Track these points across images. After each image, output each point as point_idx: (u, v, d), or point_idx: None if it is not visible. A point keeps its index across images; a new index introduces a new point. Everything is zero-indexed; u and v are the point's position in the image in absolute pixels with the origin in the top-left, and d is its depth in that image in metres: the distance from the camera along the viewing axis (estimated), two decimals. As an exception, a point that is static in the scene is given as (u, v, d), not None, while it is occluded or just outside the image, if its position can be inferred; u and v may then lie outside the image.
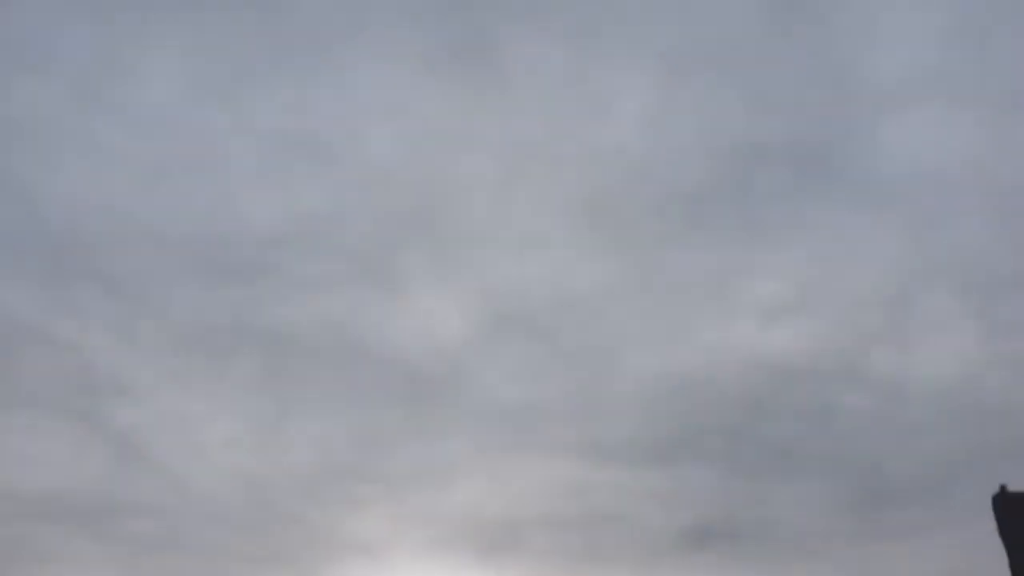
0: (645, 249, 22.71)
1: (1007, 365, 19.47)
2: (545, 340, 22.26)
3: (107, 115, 21.32)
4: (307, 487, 19.54)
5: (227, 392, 20.73)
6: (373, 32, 22.01)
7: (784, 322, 21.59)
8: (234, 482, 19.61)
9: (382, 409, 21.11)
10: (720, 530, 18.53)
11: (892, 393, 19.73)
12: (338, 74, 21.99)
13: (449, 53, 22.20)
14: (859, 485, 18.65)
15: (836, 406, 19.81)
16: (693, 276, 22.32)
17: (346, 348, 21.91)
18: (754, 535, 18.29)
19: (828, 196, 22.35)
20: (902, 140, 21.80)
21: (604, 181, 21.96)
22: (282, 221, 22.04)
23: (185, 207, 21.82)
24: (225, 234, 21.90)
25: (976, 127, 21.53)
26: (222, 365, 21.17)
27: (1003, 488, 7.07)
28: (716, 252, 22.28)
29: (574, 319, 22.37)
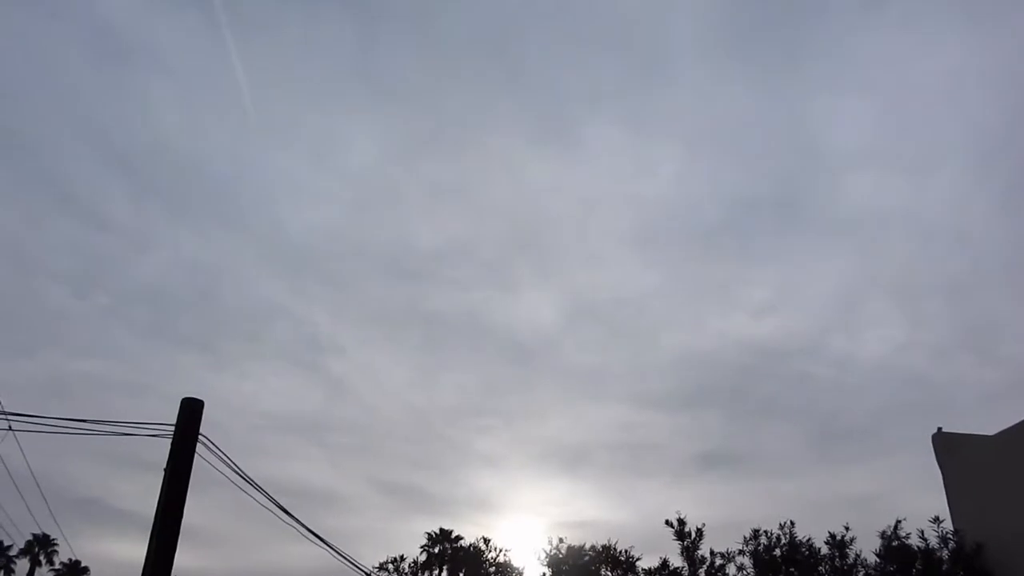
0: (675, 265, 31.83)
1: (925, 346, 26.90)
2: (608, 325, 31.01)
3: (329, 167, 31.56)
4: (451, 417, 27.84)
5: (402, 353, 30.16)
6: (497, 116, 31.80)
7: (769, 316, 29.04)
8: (405, 412, 27.81)
9: (500, 368, 30.56)
10: (724, 455, 25.31)
11: (844, 365, 26.54)
12: (474, 145, 31.71)
13: (546, 133, 31.67)
14: (820, 427, 25.41)
15: (805, 373, 26.74)
16: (708, 284, 30.87)
17: (478, 327, 31.23)
18: (747, 460, 24.58)
19: (800, 230, 30.86)
20: (851, 192, 29.24)
21: (648, 219, 31.37)
22: (439, 241, 31.80)
23: (378, 230, 32.10)
24: (403, 249, 31.78)
25: (902, 182, 29.26)
26: (399, 335, 31.11)
27: (940, 429, 8.57)
28: (723, 268, 30.71)
29: (627, 311, 31.19)
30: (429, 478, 25.78)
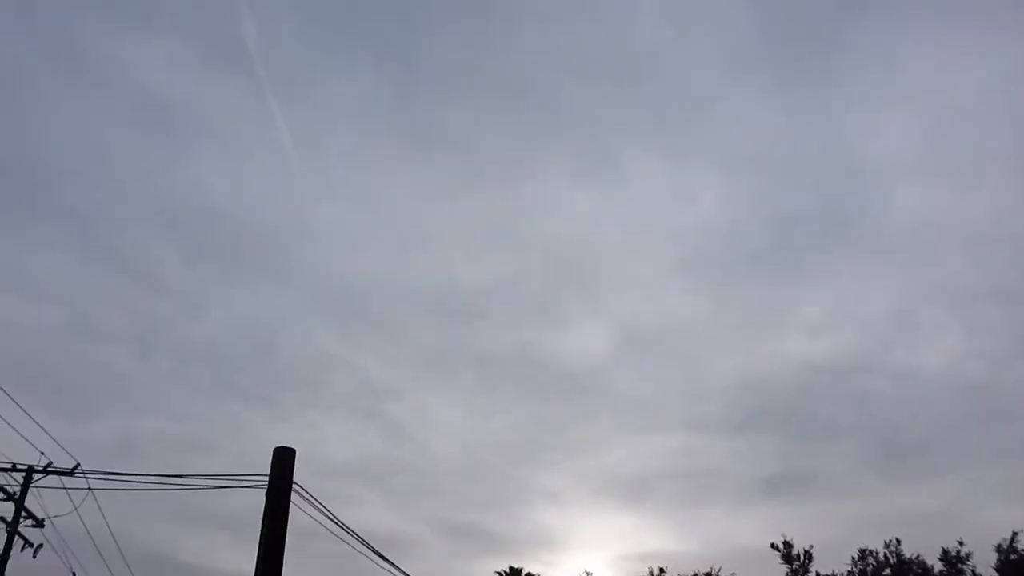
0: (723, 289, 30.54)
1: (984, 355, 25.12)
2: (659, 353, 29.72)
3: (374, 216, 31.25)
4: (508, 454, 26.61)
5: (456, 393, 28.69)
6: (536, 154, 31.59)
7: (823, 335, 27.44)
8: (461, 451, 26.59)
9: (554, 402, 28.65)
10: (786, 478, 23.74)
11: (904, 379, 25.13)
12: (518, 184, 31.67)
13: (586, 168, 31.28)
14: (881, 444, 23.88)
15: (864, 390, 25.23)
16: (758, 306, 29.62)
17: (529, 362, 29.65)
18: (809, 481, 23.38)
19: (849, 246, 29.49)
20: (899, 204, 28.18)
21: (693, 245, 32.51)
22: (486, 280, 30.87)
23: (424, 272, 31.25)
24: (449, 290, 31.13)
25: (949, 192, 28.19)
26: (451, 375, 29.56)
27: None
28: (773, 289, 29.90)
29: (678, 338, 29.86)
30: (491, 517, 25.57)
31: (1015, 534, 7.99)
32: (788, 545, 8.98)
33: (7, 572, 6.53)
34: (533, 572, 13.64)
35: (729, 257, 30.15)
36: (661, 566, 9.67)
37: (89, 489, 6.64)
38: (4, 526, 6.54)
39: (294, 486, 4.05)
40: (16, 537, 6.61)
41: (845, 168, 29.23)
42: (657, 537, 21.57)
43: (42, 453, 6.54)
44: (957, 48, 27.54)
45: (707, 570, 10.41)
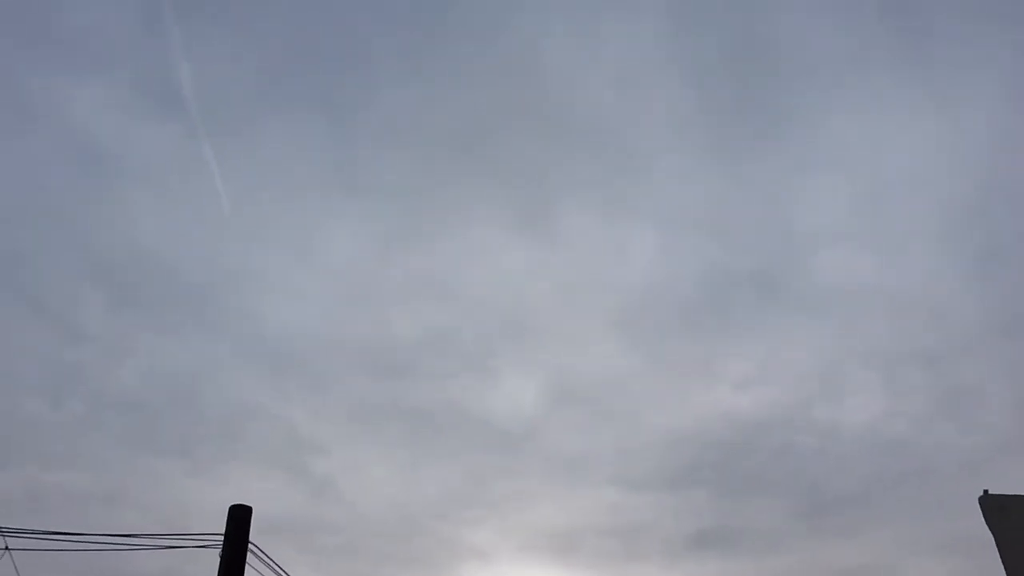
0: (656, 344, 30.98)
1: (907, 414, 25.76)
2: (591, 407, 29.48)
3: (308, 266, 29.49)
4: (439, 511, 26.04)
5: (386, 448, 28.07)
6: (473, 207, 30.65)
7: (750, 390, 28.53)
8: (392, 508, 25.97)
9: (484, 457, 28.49)
10: (716, 533, 24.74)
11: (827, 435, 26.18)
12: (451, 236, 30.78)
13: (523, 221, 30.38)
14: (807, 499, 24.79)
15: (789, 445, 26.25)
16: (689, 361, 30.61)
17: (460, 417, 29.14)
18: (738, 536, 24.44)
19: (777, 305, 31.45)
20: (826, 268, 29.93)
21: (627, 301, 30.84)
22: (419, 333, 29.78)
23: (357, 325, 30.59)
24: (382, 343, 30.32)
25: (874, 258, 29.87)
26: (382, 431, 28.87)
27: (986, 492, 8.23)
28: (703, 344, 30.79)
29: (611, 393, 29.81)
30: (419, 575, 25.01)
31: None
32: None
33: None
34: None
35: (663, 313, 30.69)
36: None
37: (6, 549, 6.18)
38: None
39: (250, 546, 3.85)
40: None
41: (777, 230, 30.30)
42: (588, 594, 21.40)
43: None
44: (888, 120, 29.02)
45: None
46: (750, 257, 32.11)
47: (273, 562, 3.94)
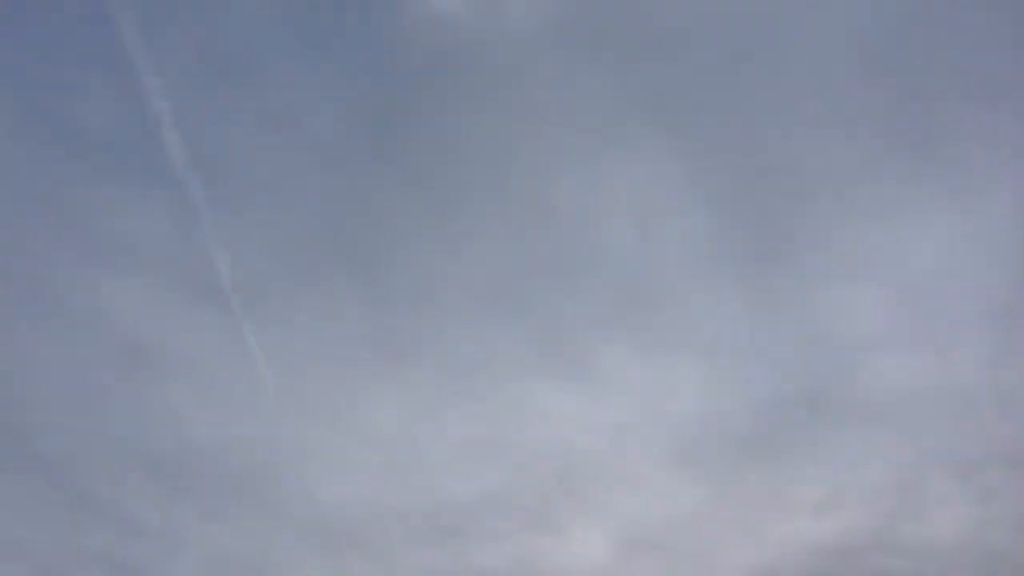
0: (719, 478, 29.44)
1: (1000, 520, 24.55)
2: (663, 549, 27.98)
3: (355, 437, 29.65)
4: None
5: None
6: (510, 359, 30.72)
7: (828, 515, 26.73)
8: None
9: None
10: None
11: (918, 553, 24.50)
12: (493, 392, 30.54)
13: (563, 367, 30.31)
14: None
15: (879, 568, 24.65)
16: (757, 492, 28.78)
17: (530, 574, 28.18)
18: None
19: (836, 423, 29.86)
20: (877, 377, 28.86)
21: (682, 435, 29.41)
22: (475, 494, 29.02)
23: (411, 491, 30.09)
24: (438, 507, 29.21)
25: (925, 359, 28.61)
26: None
27: None
28: (769, 473, 28.86)
29: (680, 532, 28.33)
30: None
31: None
32: None
33: None
34: None
35: (720, 445, 29.60)
36: None
37: None
38: None
39: None
40: None
41: (816, 346, 29.52)
42: None
43: None
44: (908, 221, 28.76)
45: None
46: (798, 377, 30.67)
47: None
